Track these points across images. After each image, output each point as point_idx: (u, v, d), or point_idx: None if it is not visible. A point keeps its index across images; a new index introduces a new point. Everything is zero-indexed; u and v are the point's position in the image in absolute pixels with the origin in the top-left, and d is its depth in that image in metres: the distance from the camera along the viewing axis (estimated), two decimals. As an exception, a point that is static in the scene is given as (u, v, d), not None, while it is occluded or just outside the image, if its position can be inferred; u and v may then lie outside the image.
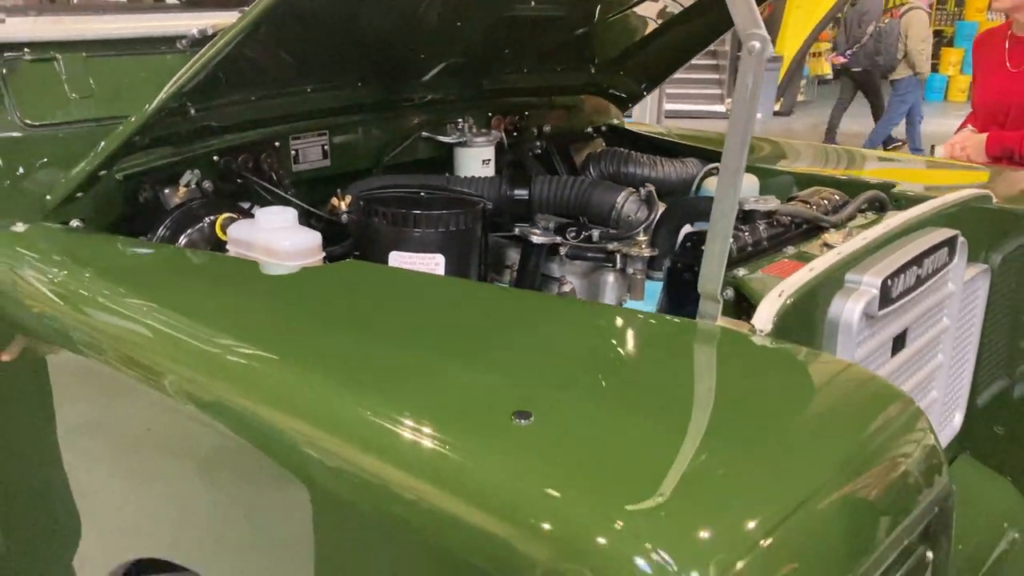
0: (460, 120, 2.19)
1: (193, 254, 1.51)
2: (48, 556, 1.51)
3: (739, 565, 0.76)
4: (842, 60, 10.31)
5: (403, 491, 0.89)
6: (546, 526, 0.79)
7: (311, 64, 1.81)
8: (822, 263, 1.28)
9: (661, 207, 1.79)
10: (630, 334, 1.16)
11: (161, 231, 1.58)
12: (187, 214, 1.59)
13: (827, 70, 14.06)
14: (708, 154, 2.31)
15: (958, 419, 1.85)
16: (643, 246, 1.67)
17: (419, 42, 1.93)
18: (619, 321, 1.21)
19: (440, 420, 0.92)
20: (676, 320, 1.18)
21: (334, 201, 1.68)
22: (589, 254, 1.75)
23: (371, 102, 2.04)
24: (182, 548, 1.21)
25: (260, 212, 1.47)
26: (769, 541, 0.78)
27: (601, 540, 0.77)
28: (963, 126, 3.03)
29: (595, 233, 1.82)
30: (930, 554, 0.98)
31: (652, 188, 1.89)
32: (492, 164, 2.20)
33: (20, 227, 1.54)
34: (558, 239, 1.74)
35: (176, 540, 1.23)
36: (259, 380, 1.06)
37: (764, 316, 1.14)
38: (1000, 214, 1.78)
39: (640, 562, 0.75)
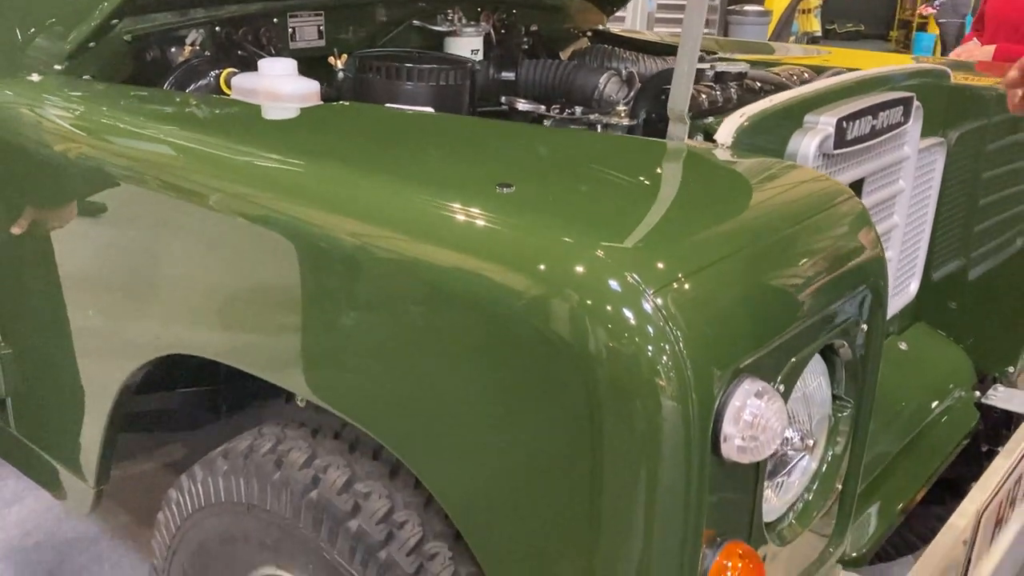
0: (450, 11, 2.29)
1: (202, 98, 1.61)
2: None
3: (687, 285, 0.88)
4: (931, 10, 10.33)
5: (416, 250, 1.01)
6: (533, 261, 0.91)
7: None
8: (782, 96, 1.39)
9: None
10: (605, 144, 1.28)
11: (167, 85, 1.68)
12: (192, 69, 1.69)
13: (816, 27, 14.06)
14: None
15: (913, 287, 1.98)
16: (622, 115, 1.78)
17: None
18: (595, 138, 1.33)
19: (440, 191, 1.04)
20: (647, 139, 1.30)
21: (331, 59, 1.79)
22: (572, 126, 1.85)
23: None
24: (213, 342, 1.31)
25: (262, 62, 1.57)
26: (710, 272, 0.91)
27: (580, 268, 0.89)
28: (967, 39, 3.07)
29: (578, 110, 1.93)
30: (864, 326, 1.11)
31: (634, 71, 2.00)
32: (480, 55, 2.30)
33: (36, 77, 1.64)
34: (542, 108, 1.85)
35: (207, 335, 1.33)
36: (301, 189, 1.16)
37: (725, 132, 1.26)
38: (958, 91, 1.89)
39: (612, 283, 0.87)
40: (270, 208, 1.17)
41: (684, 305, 0.87)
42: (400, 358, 1.04)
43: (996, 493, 1.29)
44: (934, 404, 1.86)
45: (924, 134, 1.80)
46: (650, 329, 0.85)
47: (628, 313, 0.85)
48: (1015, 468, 1.36)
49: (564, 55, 2.56)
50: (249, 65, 1.88)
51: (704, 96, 1.64)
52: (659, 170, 1.17)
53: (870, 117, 1.53)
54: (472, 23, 2.30)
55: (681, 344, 0.85)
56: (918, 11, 11.47)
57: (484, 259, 0.94)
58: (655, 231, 0.96)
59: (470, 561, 1.14)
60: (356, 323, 1.09)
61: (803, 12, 13.74)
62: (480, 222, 0.97)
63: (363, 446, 1.27)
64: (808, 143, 1.39)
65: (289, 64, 1.56)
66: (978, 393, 1.96)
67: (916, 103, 1.69)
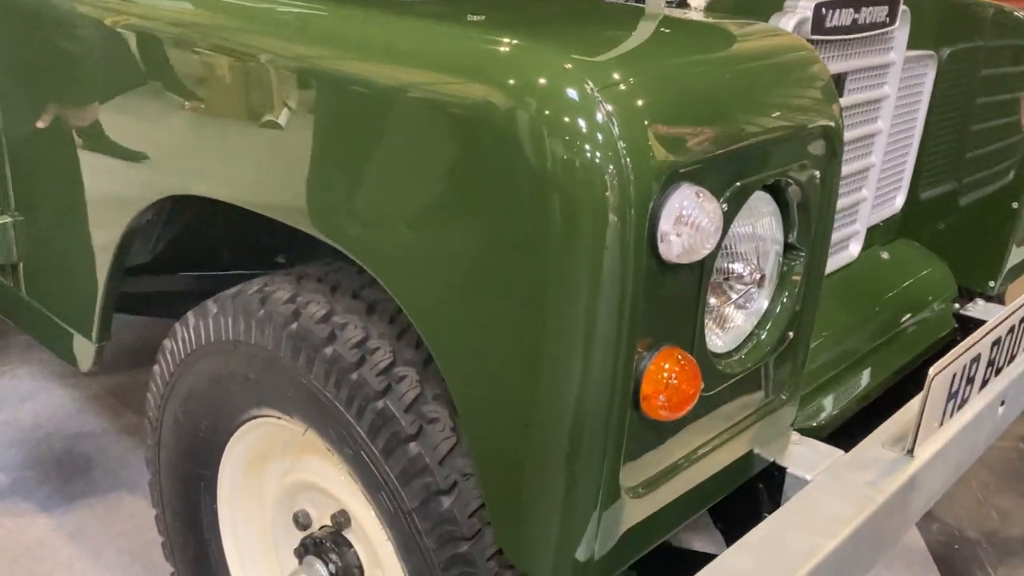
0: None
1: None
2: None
3: (635, 95, 0.94)
4: None
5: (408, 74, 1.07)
6: (500, 71, 0.97)
7: None
8: (760, -27, 1.44)
9: None
10: (586, 4, 1.34)
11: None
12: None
13: None
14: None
15: (900, 200, 2.02)
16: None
17: None
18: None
19: (418, 19, 1.11)
20: (629, 3, 1.36)
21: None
22: None
23: None
24: (206, 180, 1.38)
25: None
26: (659, 84, 0.97)
27: (539, 76, 0.95)
28: None
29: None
30: (817, 172, 1.16)
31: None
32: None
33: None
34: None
35: (202, 175, 1.39)
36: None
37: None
38: (950, 5, 1.92)
39: (570, 91, 0.93)
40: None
41: (630, 113, 0.93)
42: (371, 171, 1.11)
43: (952, 361, 1.33)
44: (912, 310, 1.90)
45: (914, 45, 1.84)
46: (599, 135, 0.91)
47: (580, 119, 0.91)
48: (976, 344, 1.41)
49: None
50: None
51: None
52: (631, 20, 1.22)
53: (852, 10, 1.57)
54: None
55: (624, 148, 0.91)
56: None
57: (454, 71, 1.01)
58: (613, 52, 1.02)
59: (436, 385, 1.21)
60: (339, 147, 1.16)
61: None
62: (453, 40, 1.03)
63: (344, 288, 1.34)
64: (786, 23, 1.44)
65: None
66: (957, 305, 2.01)
67: (903, 6, 1.72)
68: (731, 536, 1.35)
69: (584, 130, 0.92)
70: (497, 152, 0.97)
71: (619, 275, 0.93)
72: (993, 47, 2.03)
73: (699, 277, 1.02)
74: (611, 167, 0.91)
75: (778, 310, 1.20)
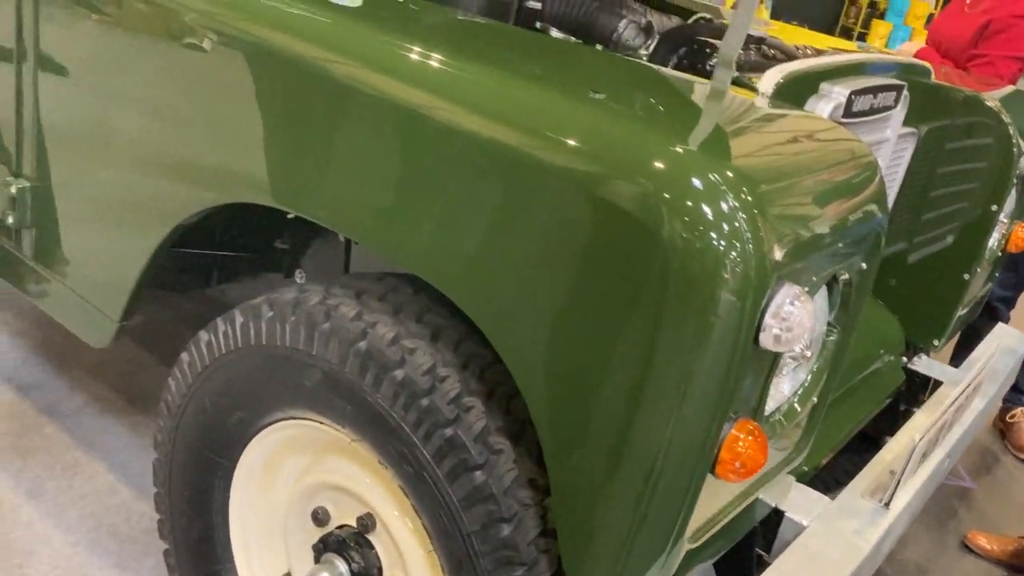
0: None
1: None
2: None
3: (756, 195, 1.06)
4: None
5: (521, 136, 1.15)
6: (632, 155, 1.07)
7: None
8: (810, 62, 1.58)
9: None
10: (660, 74, 1.44)
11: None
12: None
13: (765, 16, 14.40)
14: (688, 13, 2.58)
15: (865, 258, 2.22)
16: (643, 60, 1.94)
17: None
18: (650, 67, 1.49)
19: (544, 88, 1.18)
20: (699, 79, 1.47)
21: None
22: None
23: None
24: (293, 193, 1.41)
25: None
26: (775, 188, 1.09)
27: (669, 164, 1.05)
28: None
29: (598, 47, 2.08)
30: (864, 264, 1.31)
31: (652, 20, 2.16)
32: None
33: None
34: (572, 40, 1.99)
35: (286, 185, 1.43)
36: (396, 67, 1.29)
37: (766, 84, 1.44)
38: (935, 89, 2.12)
39: (696, 180, 1.04)
40: (365, 83, 1.29)
41: (752, 212, 1.04)
42: (481, 223, 1.18)
43: (931, 428, 1.53)
44: (868, 363, 2.10)
45: (904, 123, 2.02)
46: (725, 226, 1.02)
47: (707, 208, 1.02)
48: (948, 411, 1.60)
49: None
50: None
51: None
52: (721, 102, 1.33)
53: (871, 96, 1.73)
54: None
55: (749, 244, 1.02)
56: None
57: (585, 147, 1.09)
58: (731, 146, 1.13)
59: (500, 416, 1.30)
60: (449, 191, 1.23)
61: None
62: (583, 118, 1.12)
63: (407, 311, 1.41)
64: (823, 108, 1.58)
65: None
66: (905, 359, 2.22)
67: (905, 92, 1.90)
68: (729, 573, 1.51)
69: (710, 217, 1.02)
70: (621, 227, 1.06)
71: (722, 354, 1.05)
72: (959, 124, 2.25)
73: (775, 357, 1.15)
74: (733, 255, 1.02)
75: (809, 380, 1.35)
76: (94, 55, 1.64)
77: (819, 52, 2.13)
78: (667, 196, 1.04)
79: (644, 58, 1.95)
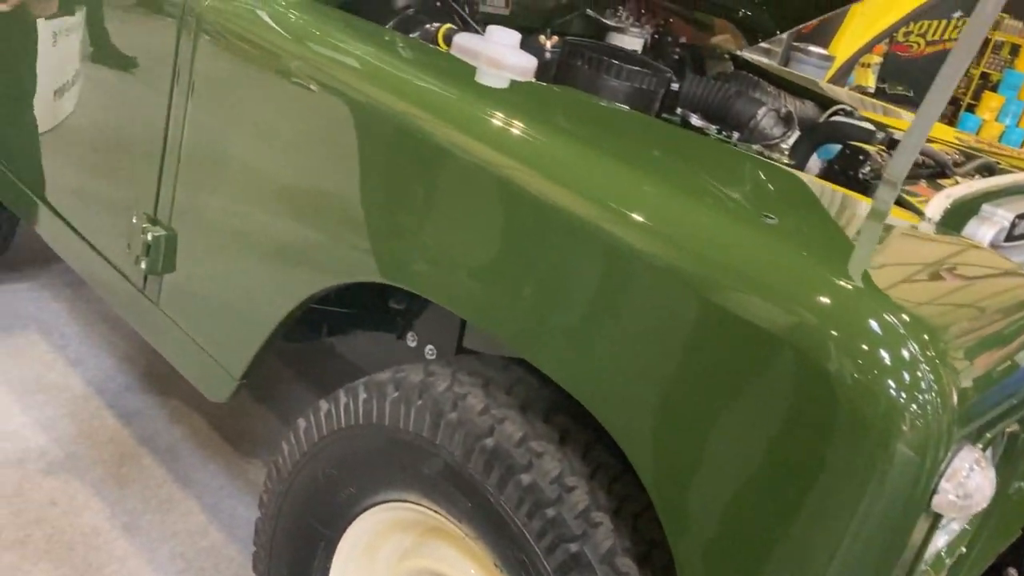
0: (620, 7, 2.37)
1: (426, 46, 1.69)
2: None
3: (939, 346, 0.99)
4: None
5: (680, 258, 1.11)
6: (809, 292, 1.02)
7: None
8: (978, 185, 1.50)
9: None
10: (814, 190, 1.39)
11: (388, 27, 1.76)
12: (412, 19, 1.77)
13: (871, 83, 14.18)
14: (824, 99, 2.51)
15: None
16: (784, 153, 1.89)
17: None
18: (801, 181, 1.44)
19: (714, 208, 1.14)
20: (857, 197, 1.41)
21: (541, 38, 1.87)
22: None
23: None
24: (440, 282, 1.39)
25: (491, 28, 1.65)
26: (957, 341, 1.02)
27: (850, 306, 1.00)
28: None
29: (735, 135, 2.03)
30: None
31: (791, 109, 2.10)
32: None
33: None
34: (713, 128, 1.95)
35: (429, 272, 1.41)
36: (546, 164, 1.26)
37: (935, 208, 1.37)
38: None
39: (872, 323, 0.98)
40: (501, 169, 1.27)
41: (934, 362, 0.98)
42: (644, 349, 1.14)
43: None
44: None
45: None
46: (905, 375, 0.95)
47: (885, 354, 0.96)
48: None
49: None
50: (442, 19, 1.96)
51: (879, 162, 1.74)
52: (887, 228, 1.27)
53: (1026, 218, 1.64)
54: (637, 23, 2.39)
55: (932, 397, 0.95)
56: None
57: (755, 280, 1.04)
58: (905, 283, 1.07)
59: (627, 536, 1.25)
60: (590, 295, 1.19)
61: (863, 66, 13.84)
62: (754, 244, 1.07)
63: (534, 408, 1.37)
64: (985, 232, 1.50)
65: (515, 36, 1.65)
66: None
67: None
68: None
69: (888, 363, 0.96)
70: (781, 358, 1.01)
71: (891, 513, 0.99)
72: None
73: (937, 520, 1.08)
74: (914, 407, 0.96)
75: (955, 539, 1.27)
76: (245, 118, 1.66)
77: (966, 156, 2.03)
78: (838, 335, 0.98)
79: (785, 152, 1.89)
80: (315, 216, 1.56)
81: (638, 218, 1.14)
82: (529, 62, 1.63)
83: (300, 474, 1.60)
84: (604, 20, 2.32)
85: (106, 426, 2.56)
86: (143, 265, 1.80)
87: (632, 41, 2.35)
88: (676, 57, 2.57)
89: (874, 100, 2.82)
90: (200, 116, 1.72)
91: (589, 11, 2.31)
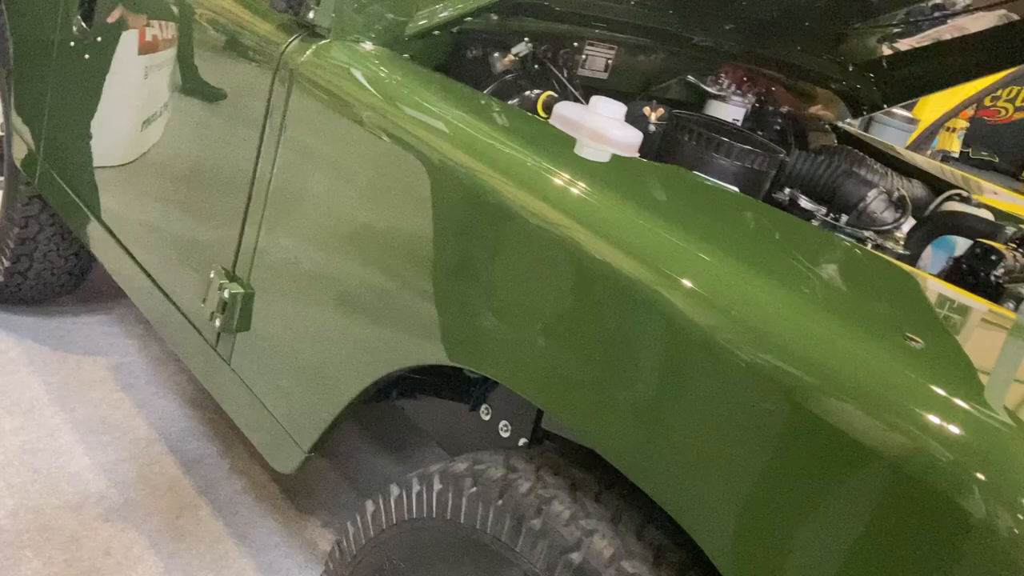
0: (723, 74, 2.27)
1: (524, 115, 1.61)
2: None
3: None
4: None
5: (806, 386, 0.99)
6: (950, 432, 0.89)
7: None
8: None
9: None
10: (947, 299, 1.26)
11: (487, 92, 1.68)
12: (511, 84, 1.70)
13: (956, 147, 13.84)
14: (931, 179, 2.37)
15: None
16: (899, 242, 1.75)
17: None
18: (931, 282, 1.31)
19: (846, 325, 1.02)
20: (998, 311, 1.27)
21: (646, 110, 1.78)
22: (838, 233, 1.83)
23: (658, 28, 2.12)
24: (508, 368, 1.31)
25: (595, 99, 1.56)
26: None
27: (986, 443, 0.87)
28: None
29: (843, 218, 1.91)
30: None
31: (905, 193, 1.97)
32: (739, 124, 2.28)
33: (368, 46, 1.65)
34: (822, 211, 1.83)
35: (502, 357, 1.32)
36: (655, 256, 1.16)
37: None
38: None
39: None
40: (613, 267, 1.17)
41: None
42: (736, 456, 1.03)
43: None
44: None
45: None
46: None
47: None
48: None
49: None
50: (540, 83, 1.88)
51: (1017, 261, 1.60)
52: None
53: None
54: (738, 92, 2.29)
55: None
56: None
57: (891, 407, 0.92)
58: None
59: None
60: (697, 410, 1.07)
61: (948, 130, 13.51)
62: (893, 372, 0.95)
63: (626, 521, 1.25)
64: None
65: (620, 108, 1.56)
66: None
67: None
68: None
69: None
70: (916, 503, 0.89)
71: None
72: None
73: None
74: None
75: None
76: (333, 178, 1.60)
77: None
78: (987, 479, 0.86)
79: (900, 240, 1.76)
80: (396, 288, 1.47)
81: (757, 326, 1.03)
82: (634, 137, 1.54)
83: (364, 560, 1.50)
84: (705, 87, 2.22)
85: (166, 473, 2.50)
86: (217, 323, 1.73)
87: (733, 110, 2.25)
88: (777, 128, 2.47)
89: (979, 181, 2.65)
90: (288, 171, 1.66)
91: (690, 77, 2.22)
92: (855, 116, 2.69)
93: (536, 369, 1.27)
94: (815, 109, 2.62)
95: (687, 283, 1.11)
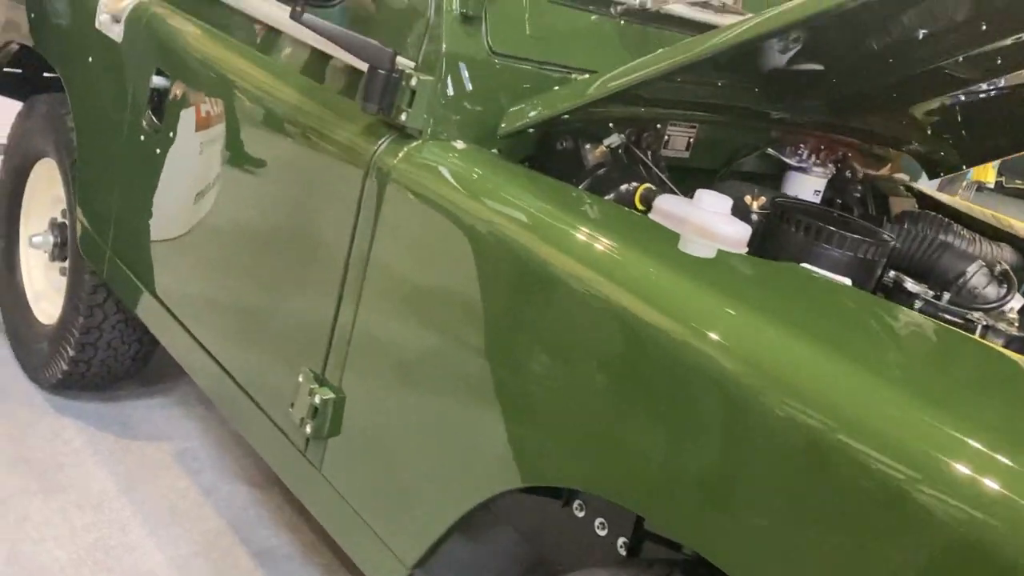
0: (802, 145, 2.22)
1: (625, 212, 1.56)
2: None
3: None
4: None
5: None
6: None
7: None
8: None
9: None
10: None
11: (582, 185, 1.64)
12: (605, 178, 1.65)
13: (992, 178, 13.70)
14: (1019, 242, 2.28)
15: None
16: (1013, 323, 1.68)
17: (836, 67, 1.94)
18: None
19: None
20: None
21: (747, 199, 1.72)
22: (943, 315, 1.75)
23: (741, 106, 2.07)
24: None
25: (700, 192, 1.51)
26: None
27: None
28: None
29: (944, 296, 1.83)
30: None
31: (1008, 267, 1.89)
32: (820, 196, 2.22)
33: (460, 144, 1.61)
34: (930, 294, 1.75)
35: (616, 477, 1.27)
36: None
37: None
38: None
39: None
40: (733, 379, 1.11)
41: None
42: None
43: None
44: None
45: None
46: None
47: None
48: None
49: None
50: (631, 172, 1.82)
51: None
52: None
53: None
54: (819, 161, 2.23)
55: None
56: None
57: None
58: None
59: None
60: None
61: (982, 160, 13.37)
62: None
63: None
64: None
65: (726, 202, 1.50)
66: None
67: None
68: None
69: None
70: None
71: None
72: None
73: None
74: None
75: None
76: (428, 276, 1.55)
77: None
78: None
79: (1014, 322, 1.68)
80: (504, 402, 1.41)
81: (924, 464, 0.96)
82: (744, 232, 1.48)
83: None
84: (785, 159, 2.17)
85: (239, 567, 2.44)
86: (308, 429, 1.68)
87: (815, 181, 2.19)
88: (858, 195, 2.40)
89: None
90: (381, 275, 1.61)
91: (770, 150, 2.16)
92: (932, 177, 2.62)
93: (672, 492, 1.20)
94: (892, 170, 2.56)
95: (842, 410, 1.04)
